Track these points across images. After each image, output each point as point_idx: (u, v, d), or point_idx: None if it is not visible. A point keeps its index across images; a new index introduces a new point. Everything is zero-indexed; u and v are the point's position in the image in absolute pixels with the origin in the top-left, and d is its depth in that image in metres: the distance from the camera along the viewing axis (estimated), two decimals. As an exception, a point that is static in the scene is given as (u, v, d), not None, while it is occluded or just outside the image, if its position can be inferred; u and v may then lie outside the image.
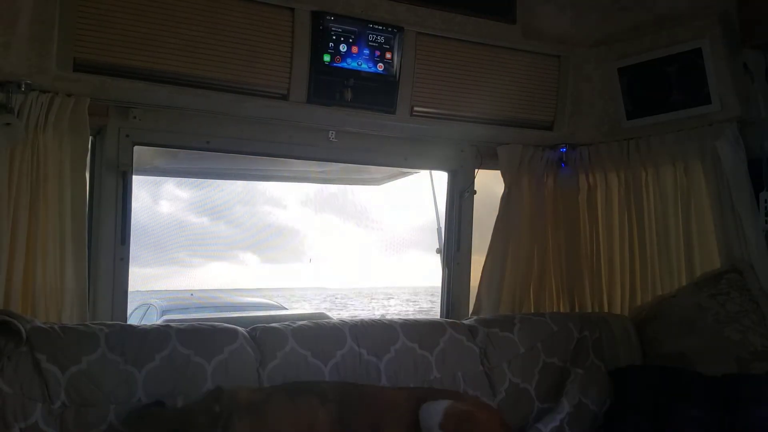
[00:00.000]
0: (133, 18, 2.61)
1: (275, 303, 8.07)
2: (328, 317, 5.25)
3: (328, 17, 2.95)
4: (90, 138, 2.77)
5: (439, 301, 3.78)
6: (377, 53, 3.06)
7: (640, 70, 3.35)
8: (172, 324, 2.65)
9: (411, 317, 3.22)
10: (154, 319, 6.40)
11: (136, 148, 2.94)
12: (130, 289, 2.99)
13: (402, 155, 3.59)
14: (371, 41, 3.05)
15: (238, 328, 2.73)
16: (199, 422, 2.22)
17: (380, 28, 3.06)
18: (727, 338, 3.04)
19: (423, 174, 4.12)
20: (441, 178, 3.80)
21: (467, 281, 3.74)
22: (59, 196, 2.67)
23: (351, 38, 3.01)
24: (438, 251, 3.84)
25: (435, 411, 2.55)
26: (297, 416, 2.39)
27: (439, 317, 3.65)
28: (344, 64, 3.01)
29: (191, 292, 8.45)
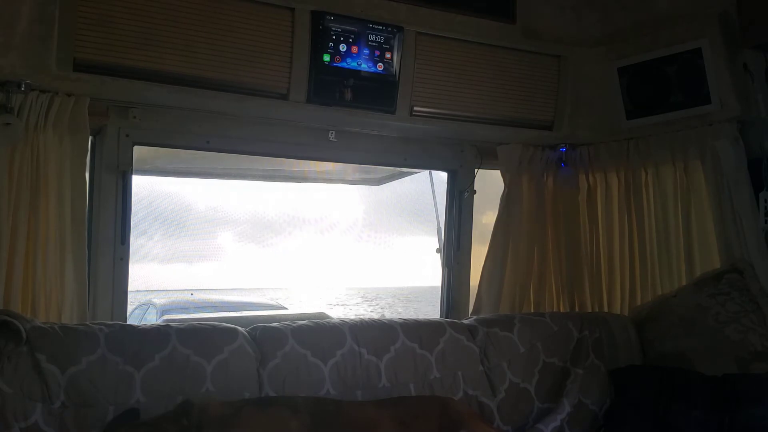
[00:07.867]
0: (133, 18, 2.61)
1: (275, 303, 8.07)
2: (328, 317, 5.26)
3: (328, 17, 2.95)
4: (90, 138, 2.77)
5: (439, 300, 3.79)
6: (377, 53, 3.06)
7: (639, 70, 3.35)
8: (171, 324, 2.64)
9: (411, 317, 3.22)
10: (154, 319, 6.41)
11: (136, 147, 2.94)
12: (130, 288, 2.99)
13: (402, 155, 3.59)
14: (371, 41, 3.05)
15: (238, 327, 2.72)
16: None
17: (380, 27, 3.06)
18: (727, 338, 3.04)
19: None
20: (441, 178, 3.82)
21: (467, 281, 3.74)
22: (59, 195, 2.66)
23: (351, 38, 3.00)
24: (438, 251, 3.85)
25: None
26: (267, 428, 2.36)
27: (438, 317, 3.65)
28: (344, 64, 3.01)
29: (191, 292, 8.45)
